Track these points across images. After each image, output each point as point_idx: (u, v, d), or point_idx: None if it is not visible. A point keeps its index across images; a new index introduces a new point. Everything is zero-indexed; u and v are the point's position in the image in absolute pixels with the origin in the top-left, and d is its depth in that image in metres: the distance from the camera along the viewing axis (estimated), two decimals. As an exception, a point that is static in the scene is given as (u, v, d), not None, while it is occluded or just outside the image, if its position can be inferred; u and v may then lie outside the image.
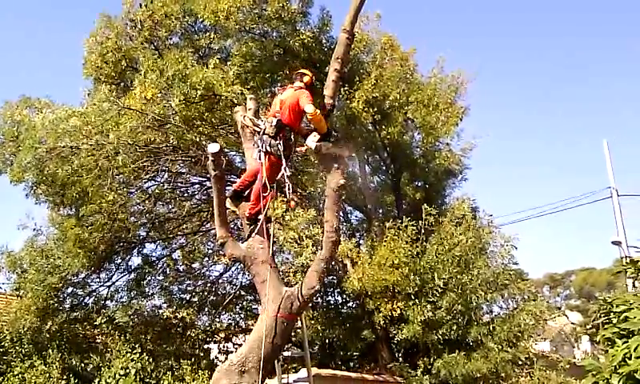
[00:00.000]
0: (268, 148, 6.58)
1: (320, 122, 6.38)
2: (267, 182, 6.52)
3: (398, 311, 12.06)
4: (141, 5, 13.95)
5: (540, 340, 14.98)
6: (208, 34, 14.07)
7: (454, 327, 12.30)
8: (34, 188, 13.54)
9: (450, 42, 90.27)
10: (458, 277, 12.42)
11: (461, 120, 14.72)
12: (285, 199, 12.58)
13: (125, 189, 14.34)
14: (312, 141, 6.40)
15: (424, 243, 12.91)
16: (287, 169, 6.53)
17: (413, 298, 12.22)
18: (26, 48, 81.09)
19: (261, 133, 6.72)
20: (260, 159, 6.65)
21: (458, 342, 12.38)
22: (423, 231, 12.89)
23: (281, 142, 6.53)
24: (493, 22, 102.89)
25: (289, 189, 6.60)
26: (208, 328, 18.34)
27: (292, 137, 6.69)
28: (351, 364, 16.41)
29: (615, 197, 20.41)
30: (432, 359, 12.44)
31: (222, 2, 12.48)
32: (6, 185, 13.41)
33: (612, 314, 5.75)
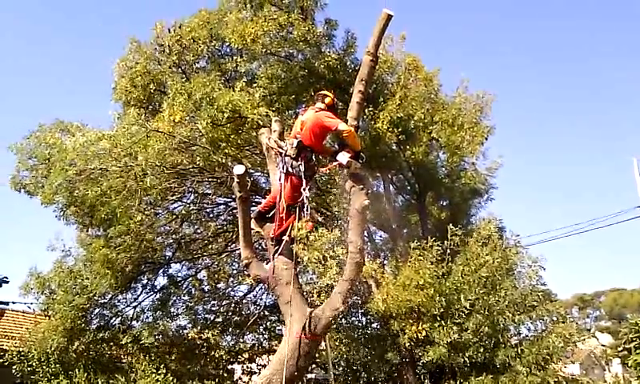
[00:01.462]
0: (290, 169, 6.62)
1: (355, 140, 6.45)
2: (284, 204, 6.56)
3: (424, 333, 11.91)
4: (169, 30, 14.27)
5: (569, 363, 14.59)
6: (234, 57, 14.29)
7: (481, 349, 12.09)
8: (64, 210, 13.80)
9: (476, 60, 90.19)
10: (485, 298, 12.23)
11: (486, 139, 14.59)
12: (308, 220, 12.63)
13: (152, 210, 14.56)
14: (344, 156, 6.43)
15: (449, 264, 12.76)
16: (307, 190, 6.54)
17: (438, 319, 12.06)
18: (63, 73, 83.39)
19: (283, 154, 6.77)
20: (280, 180, 6.70)
21: (485, 364, 12.15)
22: (449, 251, 12.76)
23: (302, 163, 6.56)
24: (520, 43, 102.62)
25: (307, 210, 6.59)
26: (232, 348, 18.37)
27: (313, 158, 6.72)
28: (376, 386, 16.22)
29: (645, 217, 20.00)
30: (458, 382, 12.22)
31: (249, 26, 12.70)
32: (37, 206, 13.72)
33: (644, 337, 5.63)
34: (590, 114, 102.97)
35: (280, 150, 6.95)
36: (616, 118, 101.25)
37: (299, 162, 6.57)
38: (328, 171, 6.97)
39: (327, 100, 6.84)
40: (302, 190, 6.52)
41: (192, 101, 11.89)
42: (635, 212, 20.20)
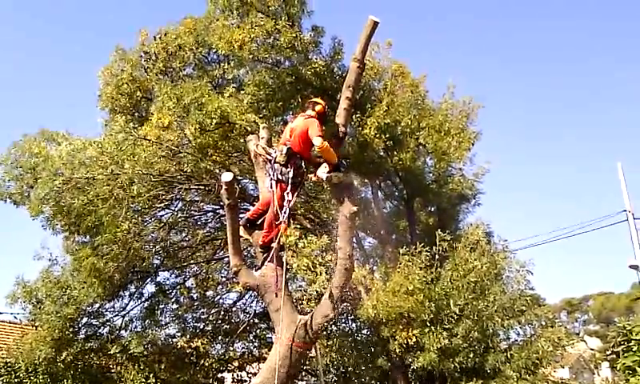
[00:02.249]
0: (279, 176, 6.61)
1: (329, 154, 6.39)
2: (279, 211, 6.53)
3: (414, 339, 11.91)
4: (155, 37, 14.24)
5: (559, 367, 14.69)
6: (222, 64, 14.27)
7: (471, 355, 12.12)
8: (51, 219, 13.68)
9: (461, 64, 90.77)
10: (474, 303, 12.26)
11: (473, 145, 14.67)
12: (297, 226, 12.62)
13: (139, 218, 14.46)
14: (323, 172, 6.43)
15: (438, 269, 12.78)
16: (289, 195, 6.53)
17: (428, 325, 12.07)
18: (46, 82, 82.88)
19: (272, 161, 6.76)
20: (271, 187, 6.68)
21: (475, 369, 12.18)
22: (437, 257, 12.77)
23: (291, 170, 6.55)
24: (504, 46, 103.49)
25: (285, 215, 6.56)
26: (222, 357, 18.28)
27: (303, 164, 6.71)
28: (366, 393, 16.19)
29: (631, 220, 20.20)
30: (449, 388, 12.26)
31: (236, 32, 12.68)
32: (23, 215, 13.59)
33: (632, 341, 5.66)
34: (577, 118, 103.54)
35: (269, 157, 6.94)
36: (603, 121, 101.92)
37: (289, 169, 6.56)
38: (315, 180, 6.94)
39: (318, 108, 6.82)
40: (285, 194, 6.51)
41: (181, 105, 11.86)
42: (621, 216, 20.43)
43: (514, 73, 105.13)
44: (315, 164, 6.70)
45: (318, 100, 7.03)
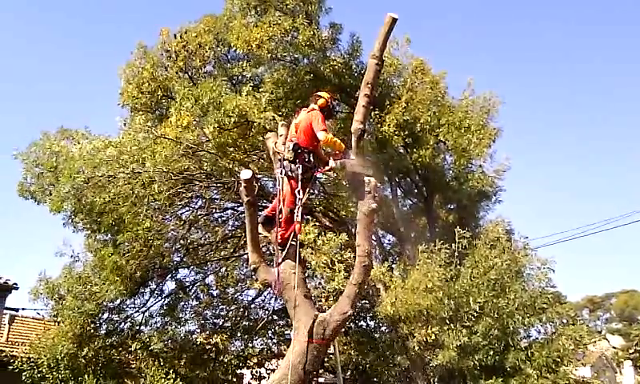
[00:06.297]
0: (289, 173, 6.62)
1: (335, 144, 6.45)
2: (289, 209, 6.55)
3: (433, 336, 11.85)
4: (175, 36, 14.34)
5: (580, 365, 14.49)
6: (240, 62, 14.32)
7: (491, 353, 12.03)
8: (72, 216, 13.84)
9: (483, 64, 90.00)
10: (494, 301, 12.16)
11: (493, 142, 14.54)
12: (315, 224, 12.63)
13: (160, 216, 14.57)
14: (334, 160, 6.48)
15: (458, 266, 12.70)
16: (301, 193, 6.53)
17: (447, 322, 12.00)
18: (64, 79, 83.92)
19: (282, 158, 6.78)
20: (280, 185, 6.72)
21: (495, 368, 12.08)
22: (457, 254, 12.69)
23: (300, 166, 6.56)
24: (528, 45, 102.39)
25: (298, 212, 6.56)
26: (241, 353, 18.37)
27: (311, 159, 6.71)
28: (385, 390, 16.16)
29: (656, 217, 19.87)
30: (468, 386, 12.17)
31: (254, 31, 12.73)
32: (45, 213, 13.77)
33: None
34: (615, 113, 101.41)
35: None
36: (628, 118, 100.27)
37: (297, 165, 6.57)
38: (328, 169, 6.92)
39: (320, 101, 6.83)
40: (296, 192, 6.51)
41: (199, 105, 11.93)
42: (645, 212, 20.11)
43: (538, 70, 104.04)
44: (324, 158, 6.73)
45: (322, 93, 7.04)
